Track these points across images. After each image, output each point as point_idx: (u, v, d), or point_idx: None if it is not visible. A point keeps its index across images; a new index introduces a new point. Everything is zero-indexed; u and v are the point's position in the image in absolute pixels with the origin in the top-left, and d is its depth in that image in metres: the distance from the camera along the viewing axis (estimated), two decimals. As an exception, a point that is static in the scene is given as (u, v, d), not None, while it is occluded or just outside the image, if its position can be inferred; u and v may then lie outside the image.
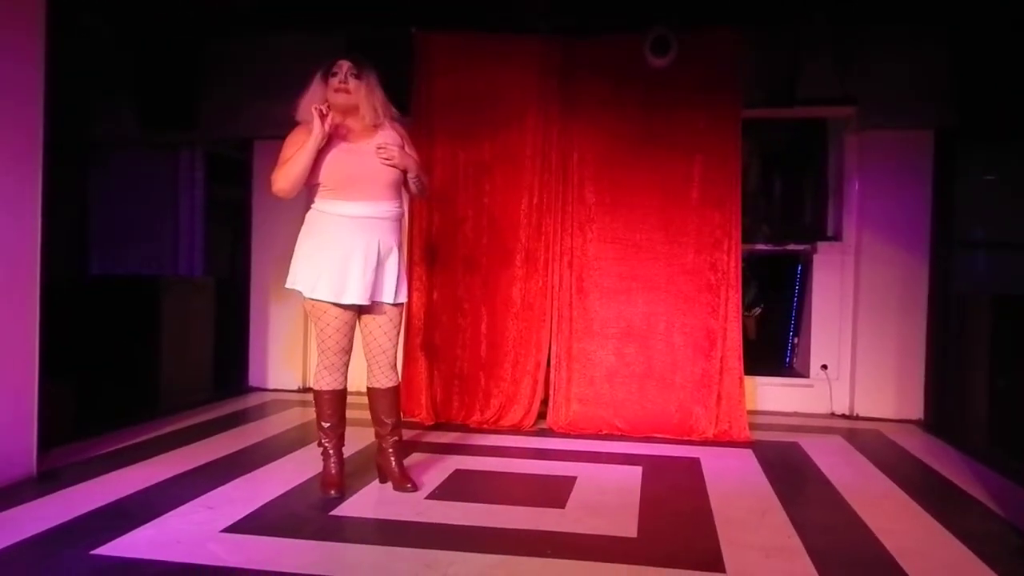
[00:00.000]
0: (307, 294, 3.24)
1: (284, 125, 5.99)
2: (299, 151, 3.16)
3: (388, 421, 3.44)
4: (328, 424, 3.38)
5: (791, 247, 5.95)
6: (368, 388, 3.46)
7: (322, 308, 3.25)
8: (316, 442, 3.48)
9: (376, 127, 3.32)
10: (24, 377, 3.46)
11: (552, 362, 4.94)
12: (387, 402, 3.44)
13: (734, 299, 4.80)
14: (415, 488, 3.42)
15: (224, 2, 5.02)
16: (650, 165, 4.88)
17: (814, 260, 5.70)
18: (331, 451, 3.40)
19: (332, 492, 3.32)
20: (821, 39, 5.18)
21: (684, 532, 3.04)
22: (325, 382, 3.35)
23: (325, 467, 3.40)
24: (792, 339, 6.14)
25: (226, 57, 5.90)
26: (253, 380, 6.09)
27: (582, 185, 4.94)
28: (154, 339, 5.31)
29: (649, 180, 4.88)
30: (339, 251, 3.20)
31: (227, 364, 6.02)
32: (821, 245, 5.69)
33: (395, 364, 3.48)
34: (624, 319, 4.88)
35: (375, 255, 3.25)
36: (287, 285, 3.31)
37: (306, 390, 5.96)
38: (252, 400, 5.66)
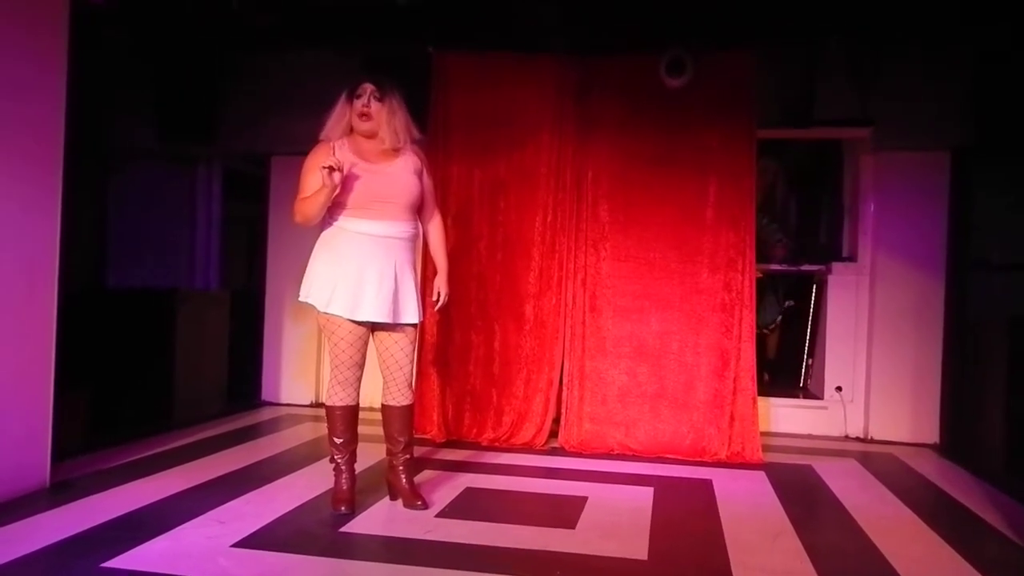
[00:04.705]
0: (321, 308, 3.25)
1: (302, 141, 6.04)
2: (317, 194, 3.16)
3: (401, 439, 3.44)
4: (340, 440, 3.38)
5: (806, 267, 5.93)
6: (383, 405, 3.46)
7: (336, 323, 3.26)
8: (328, 458, 3.48)
9: (397, 150, 3.35)
10: (39, 388, 3.49)
11: (564, 380, 4.93)
12: (401, 420, 3.44)
13: (748, 319, 4.78)
14: (425, 506, 3.41)
15: (244, 18, 5.08)
16: (664, 184, 4.88)
17: (829, 281, 5.67)
18: (343, 467, 3.40)
19: (343, 508, 3.32)
20: (837, 59, 5.19)
21: (695, 555, 3.02)
22: (338, 398, 3.35)
23: (336, 483, 3.41)
24: (806, 360, 6.09)
25: (245, 72, 5.96)
26: (266, 394, 6.10)
27: (596, 203, 4.95)
28: (169, 352, 5.33)
29: (663, 199, 4.88)
30: (355, 267, 3.22)
31: (240, 378, 6.05)
32: (836, 265, 5.66)
33: (411, 382, 3.48)
34: (637, 338, 4.87)
35: (392, 274, 3.27)
36: (301, 298, 3.32)
37: (318, 405, 5.97)
38: (265, 414, 5.68)
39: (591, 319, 4.92)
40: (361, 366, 3.36)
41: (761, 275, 5.46)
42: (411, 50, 5.06)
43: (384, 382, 3.44)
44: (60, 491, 3.48)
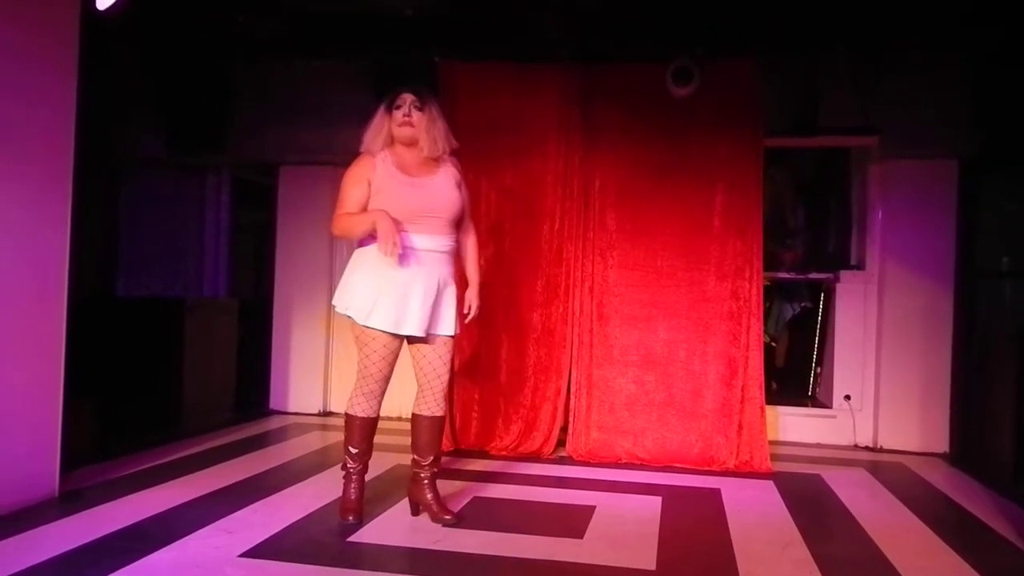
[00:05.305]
0: (360, 321, 3.20)
1: (309, 150, 6.09)
2: (363, 221, 3.17)
3: (430, 451, 3.40)
4: (356, 450, 3.35)
5: (814, 276, 5.92)
6: (414, 415, 3.42)
7: (372, 336, 3.21)
8: (340, 464, 3.45)
9: (436, 161, 3.34)
10: (49, 398, 3.50)
11: (572, 389, 4.92)
12: (432, 431, 3.41)
13: (755, 327, 4.77)
14: (455, 519, 3.36)
15: (251, 28, 5.11)
16: (672, 193, 4.88)
17: (837, 289, 5.65)
18: (354, 476, 3.38)
19: (350, 518, 3.31)
20: (842, 68, 5.19)
21: (704, 565, 3.01)
22: (360, 408, 3.32)
23: (345, 492, 3.39)
24: (815, 369, 6.08)
25: (252, 82, 5.99)
26: (274, 403, 6.11)
27: (603, 212, 4.95)
28: (177, 360, 5.35)
29: (671, 208, 4.88)
30: (400, 282, 3.18)
31: (249, 386, 6.05)
32: (844, 274, 5.65)
33: (447, 393, 3.46)
34: (644, 346, 4.86)
35: (435, 288, 3.25)
36: (339, 310, 3.28)
37: (327, 414, 6.00)
38: (273, 423, 5.68)
39: (598, 327, 4.91)
40: (389, 379, 3.32)
41: (769, 283, 5.45)
42: (417, 59, 5.08)
43: (420, 391, 3.40)
44: (69, 501, 3.49)
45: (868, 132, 5.32)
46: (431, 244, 3.25)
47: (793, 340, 6.48)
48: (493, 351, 5.02)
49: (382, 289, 3.17)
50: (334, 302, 3.32)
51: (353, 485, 3.38)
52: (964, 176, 5.22)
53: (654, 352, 4.85)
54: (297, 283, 6.05)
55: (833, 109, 5.25)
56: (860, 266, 5.63)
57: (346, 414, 3.37)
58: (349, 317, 3.25)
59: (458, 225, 3.42)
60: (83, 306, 4.13)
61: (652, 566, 2.94)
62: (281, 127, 5.90)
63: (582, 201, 4.97)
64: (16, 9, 3.28)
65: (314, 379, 6.08)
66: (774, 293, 6.22)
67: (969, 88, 5.13)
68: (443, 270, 3.30)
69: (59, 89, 3.52)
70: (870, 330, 5.47)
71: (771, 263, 5.51)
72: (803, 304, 6.35)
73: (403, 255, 3.17)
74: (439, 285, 3.27)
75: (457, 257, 3.47)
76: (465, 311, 3.52)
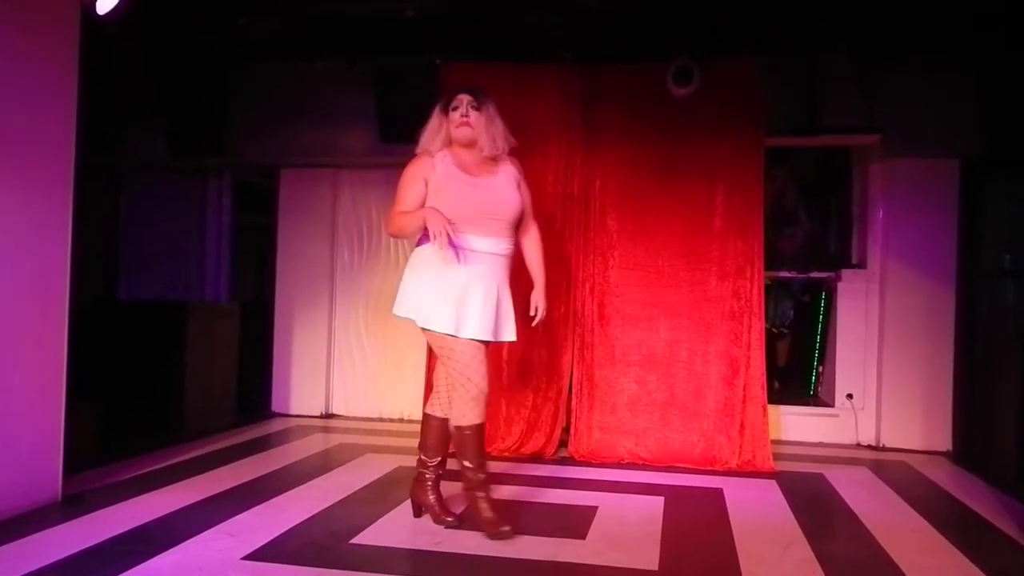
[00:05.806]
0: (420, 323, 3.15)
1: (310, 153, 6.08)
2: (417, 216, 3.14)
3: (438, 452, 3.40)
4: (478, 462, 3.27)
5: (815, 274, 5.91)
6: (428, 415, 3.42)
7: (449, 342, 3.14)
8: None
9: (496, 160, 3.29)
10: (52, 402, 3.50)
11: (574, 389, 4.92)
12: (445, 433, 3.38)
13: (757, 327, 4.77)
14: (457, 521, 3.34)
15: (251, 30, 5.11)
16: (672, 192, 4.88)
17: (838, 288, 5.65)
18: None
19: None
20: (844, 68, 5.18)
21: (706, 565, 3.01)
22: (475, 415, 3.20)
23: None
24: (817, 368, 6.07)
25: (253, 84, 5.99)
26: (276, 406, 6.11)
27: (604, 212, 4.95)
28: (179, 364, 5.35)
29: (671, 207, 4.89)
30: (457, 283, 3.12)
31: (250, 389, 6.05)
32: (845, 273, 5.64)
33: None
34: (646, 346, 4.86)
35: (495, 292, 3.19)
36: (397, 312, 3.23)
37: (328, 416, 5.99)
38: (275, 426, 5.68)
39: (600, 328, 4.91)
40: (486, 380, 3.23)
41: (770, 282, 5.45)
42: (418, 61, 5.09)
43: (437, 392, 3.39)
44: (72, 504, 3.50)
45: (870, 131, 5.32)
46: (490, 247, 3.18)
47: (795, 339, 6.47)
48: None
49: (440, 290, 3.12)
50: (394, 308, 3.26)
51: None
52: (966, 175, 5.21)
53: (656, 352, 4.85)
54: (299, 286, 6.05)
55: (834, 108, 5.25)
56: (862, 265, 5.62)
57: (458, 426, 3.21)
58: (412, 320, 3.19)
59: (518, 226, 3.37)
60: (85, 310, 4.13)
61: (655, 566, 2.94)
62: (282, 129, 5.91)
63: (583, 201, 4.97)
64: (16, 11, 3.28)
65: (316, 381, 6.08)
66: (773, 285, 6.21)
67: (971, 87, 5.13)
68: (500, 274, 3.23)
69: (59, 92, 3.52)
70: (872, 329, 5.46)
71: (770, 253, 5.48)
72: (803, 300, 6.35)
73: (460, 255, 3.11)
74: (498, 289, 3.21)
75: (517, 258, 3.41)
76: (532, 313, 3.47)
